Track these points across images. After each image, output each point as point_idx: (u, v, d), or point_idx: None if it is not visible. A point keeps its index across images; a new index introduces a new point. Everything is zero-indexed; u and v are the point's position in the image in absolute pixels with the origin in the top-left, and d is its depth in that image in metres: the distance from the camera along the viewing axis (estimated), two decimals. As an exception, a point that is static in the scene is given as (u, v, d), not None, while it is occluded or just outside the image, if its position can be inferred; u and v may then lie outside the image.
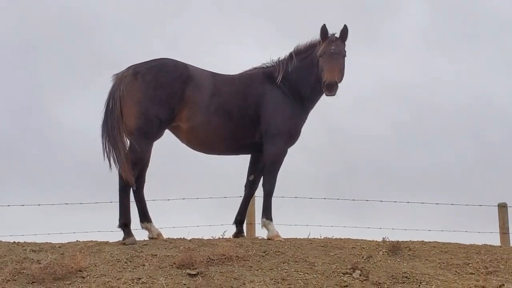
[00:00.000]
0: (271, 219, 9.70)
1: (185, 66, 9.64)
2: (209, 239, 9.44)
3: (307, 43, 9.96)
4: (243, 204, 10.20)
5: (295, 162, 9.92)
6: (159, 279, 8.03)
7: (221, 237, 9.90)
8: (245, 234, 10.18)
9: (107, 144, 9.40)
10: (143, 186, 9.72)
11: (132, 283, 7.94)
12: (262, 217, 9.72)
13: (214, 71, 9.92)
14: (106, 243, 9.34)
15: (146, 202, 9.78)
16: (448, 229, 11.72)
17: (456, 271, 8.51)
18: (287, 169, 9.84)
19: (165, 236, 9.73)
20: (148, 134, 9.34)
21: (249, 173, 10.11)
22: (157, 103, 9.30)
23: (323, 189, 9.47)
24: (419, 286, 8.06)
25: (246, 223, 11.91)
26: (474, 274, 8.46)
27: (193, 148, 9.88)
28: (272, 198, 9.78)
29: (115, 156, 9.34)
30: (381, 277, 8.21)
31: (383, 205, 11.54)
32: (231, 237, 9.90)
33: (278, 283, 7.96)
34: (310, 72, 9.76)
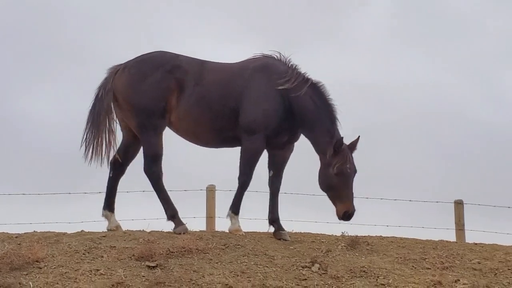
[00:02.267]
0: (236, 213, 9.42)
1: (173, 56, 9.53)
2: (169, 231, 9.40)
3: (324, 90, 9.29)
4: (271, 202, 9.60)
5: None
6: (117, 271, 7.99)
7: (180, 229, 9.85)
8: (285, 230, 9.47)
9: (89, 130, 9.50)
10: (121, 176, 9.73)
11: (90, 274, 7.89)
12: (230, 208, 9.46)
13: (209, 60, 9.69)
14: (64, 234, 9.25)
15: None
16: (406, 224, 11.85)
17: (413, 266, 8.61)
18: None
19: (124, 228, 9.67)
20: (150, 127, 9.33)
21: (269, 169, 9.63)
22: (143, 95, 9.30)
23: (283, 183, 9.48)
24: (377, 280, 8.14)
25: (206, 217, 11.90)
26: (430, 269, 8.57)
27: (184, 139, 9.75)
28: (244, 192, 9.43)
29: (94, 143, 9.43)
30: (340, 271, 8.27)
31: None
32: (272, 236, 9.47)
33: (238, 276, 7.97)
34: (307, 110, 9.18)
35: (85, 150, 9.51)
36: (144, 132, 9.38)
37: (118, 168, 9.64)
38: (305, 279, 8.06)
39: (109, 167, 9.66)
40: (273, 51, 9.55)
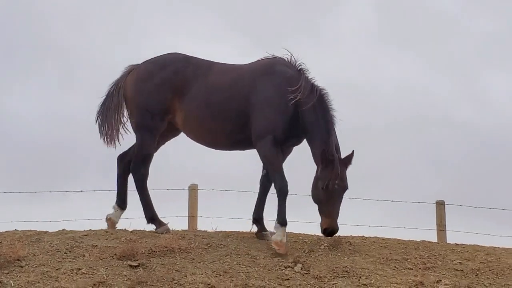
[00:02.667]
0: (282, 224, 8.79)
1: (182, 58, 9.48)
2: (151, 231, 9.37)
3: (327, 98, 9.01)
4: (258, 201, 9.47)
5: (236, 157, 9.88)
6: (99, 270, 7.95)
7: (163, 229, 9.82)
8: (267, 230, 9.26)
9: (100, 122, 9.64)
10: (128, 174, 9.67)
11: (72, 273, 7.85)
12: (276, 219, 8.89)
13: (219, 62, 9.54)
14: (46, 232, 9.20)
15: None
16: (388, 225, 11.89)
17: (395, 266, 8.64)
18: (230, 162, 9.80)
19: (105, 227, 9.62)
20: (146, 128, 9.35)
21: (263, 168, 9.40)
22: (146, 95, 9.33)
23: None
24: (359, 280, 8.16)
25: (188, 216, 11.87)
26: (412, 269, 8.61)
27: (192, 139, 9.64)
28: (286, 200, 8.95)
29: (105, 132, 9.59)
30: (322, 271, 8.29)
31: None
32: (254, 236, 9.35)
33: (220, 275, 7.96)
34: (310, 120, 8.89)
35: (104, 141, 9.69)
36: (140, 131, 9.41)
37: (126, 165, 9.61)
38: (288, 279, 8.06)
39: (117, 164, 9.70)
40: (284, 52, 9.27)
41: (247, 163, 9.65)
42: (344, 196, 8.72)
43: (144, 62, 9.69)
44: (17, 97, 21.93)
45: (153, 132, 9.39)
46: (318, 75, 9.09)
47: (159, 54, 9.74)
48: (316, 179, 8.73)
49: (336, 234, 8.82)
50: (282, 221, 8.80)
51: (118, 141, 9.69)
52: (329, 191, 8.56)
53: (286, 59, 9.24)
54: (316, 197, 8.73)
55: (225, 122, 9.14)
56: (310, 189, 8.86)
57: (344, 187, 8.66)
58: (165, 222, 9.43)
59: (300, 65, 9.18)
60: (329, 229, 8.56)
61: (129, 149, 9.72)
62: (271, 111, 8.94)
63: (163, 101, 9.28)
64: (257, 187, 9.56)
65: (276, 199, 8.96)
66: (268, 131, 8.89)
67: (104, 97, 9.72)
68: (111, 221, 9.60)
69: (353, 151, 8.79)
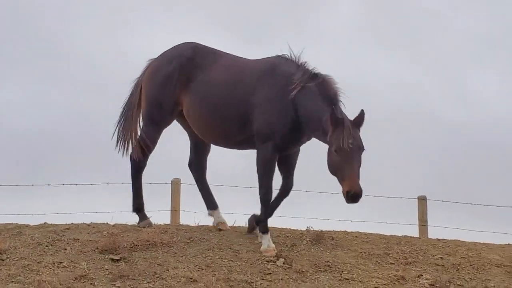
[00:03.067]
0: (264, 232, 8.67)
1: (191, 48, 9.23)
2: (133, 224, 9.36)
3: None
4: (272, 203, 8.86)
5: (219, 152, 9.85)
6: (81, 264, 7.94)
7: (145, 222, 9.80)
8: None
9: (119, 123, 9.51)
10: (205, 174, 9.59)
11: (53, 267, 7.83)
12: (258, 229, 8.82)
13: (227, 54, 9.23)
14: (27, 226, 9.16)
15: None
16: (370, 220, 11.92)
17: (377, 261, 8.68)
18: (212, 156, 9.77)
19: (87, 221, 9.58)
20: (154, 121, 9.24)
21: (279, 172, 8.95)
22: (156, 87, 9.19)
23: (248, 178, 9.47)
24: (341, 274, 8.19)
25: (171, 210, 11.85)
26: (394, 264, 8.64)
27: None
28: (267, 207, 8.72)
29: (123, 136, 9.44)
30: (304, 266, 8.30)
31: (308, 195, 11.66)
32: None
33: (203, 269, 7.96)
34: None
35: (116, 143, 9.50)
36: (146, 122, 9.30)
37: (199, 168, 9.56)
38: (270, 273, 8.07)
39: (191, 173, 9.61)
40: (287, 49, 8.80)
41: (230, 157, 9.64)
42: (361, 160, 8.01)
43: (159, 55, 9.50)
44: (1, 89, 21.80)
45: (160, 125, 9.27)
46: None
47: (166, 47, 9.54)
48: (329, 146, 8.06)
49: (318, 229, 8.69)
50: (263, 229, 8.68)
51: (132, 147, 9.42)
52: (343, 152, 7.85)
53: (288, 57, 8.77)
54: (332, 165, 8.01)
55: (223, 121, 8.83)
56: (326, 163, 8.16)
57: (359, 146, 7.96)
58: (148, 216, 9.40)
59: (300, 60, 8.69)
60: (352, 191, 7.75)
61: (190, 153, 9.61)
62: (272, 114, 8.54)
63: (170, 94, 9.09)
64: (240, 182, 9.57)
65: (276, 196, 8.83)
66: (269, 136, 8.52)
67: (128, 96, 9.61)
68: (222, 224, 9.39)
69: (362, 110, 8.15)
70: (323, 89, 8.39)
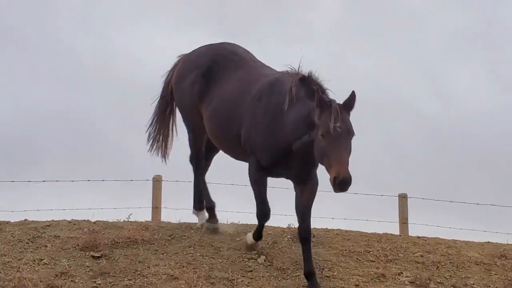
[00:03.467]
0: (256, 239, 8.40)
1: (211, 60, 8.78)
2: (114, 221, 9.33)
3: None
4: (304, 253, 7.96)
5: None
6: (61, 261, 7.91)
7: (126, 220, 9.78)
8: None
9: (151, 124, 9.42)
10: (205, 172, 9.35)
11: (34, 264, 7.80)
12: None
13: (248, 63, 8.63)
14: (7, 222, 9.11)
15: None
16: (351, 217, 11.97)
17: (357, 258, 8.71)
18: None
19: (68, 218, 9.54)
20: (188, 126, 9.07)
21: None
22: (182, 95, 9.01)
23: (231, 174, 9.48)
24: (322, 272, 8.22)
25: (152, 207, 11.83)
26: (374, 261, 8.69)
27: None
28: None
29: (154, 135, 9.36)
30: (285, 263, 8.32)
31: (289, 192, 11.66)
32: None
33: (184, 267, 7.96)
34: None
35: (151, 145, 9.43)
36: (186, 127, 9.16)
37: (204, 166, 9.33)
38: (251, 270, 8.09)
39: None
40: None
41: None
42: (351, 146, 7.21)
43: (186, 54, 9.23)
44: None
45: (195, 132, 9.02)
46: (286, 66, 8.58)
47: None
48: (316, 132, 7.25)
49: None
50: (256, 237, 8.41)
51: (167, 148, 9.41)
52: (331, 136, 7.04)
53: (292, 71, 7.94)
54: (319, 151, 7.22)
55: (227, 139, 8.44)
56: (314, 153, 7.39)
57: (348, 130, 7.17)
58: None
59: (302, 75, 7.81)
60: (340, 177, 6.88)
61: (198, 146, 9.24)
62: (254, 129, 7.92)
63: (193, 105, 8.82)
64: (225, 179, 9.56)
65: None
66: (252, 151, 7.96)
67: (159, 96, 9.46)
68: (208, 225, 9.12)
69: (353, 91, 7.36)
70: (306, 86, 7.64)
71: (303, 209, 7.88)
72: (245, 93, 8.21)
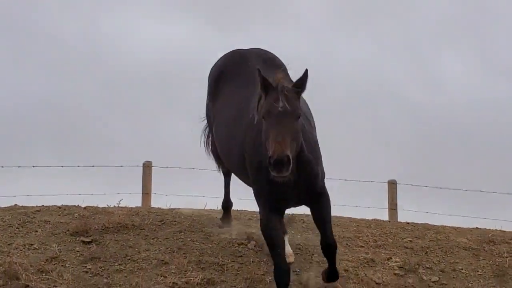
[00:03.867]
0: None
1: (231, 58, 8.41)
2: (104, 207, 9.33)
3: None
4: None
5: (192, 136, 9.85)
6: (52, 246, 7.92)
7: (116, 205, 9.79)
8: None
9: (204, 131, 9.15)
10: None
11: (24, 248, 7.80)
12: None
13: (251, 69, 7.64)
14: (-3, 208, 9.11)
15: None
16: (340, 203, 11.98)
17: (347, 244, 8.76)
18: (184, 141, 9.74)
19: (59, 203, 9.53)
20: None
21: None
22: (208, 95, 8.63)
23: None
24: (311, 257, 8.26)
25: (142, 193, 11.84)
26: (363, 247, 8.73)
27: None
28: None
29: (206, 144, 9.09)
30: (275, 248, 8.34)
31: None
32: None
33: (174, 252, 7.98)
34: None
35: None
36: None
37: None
38: (241, 255, 8.11)
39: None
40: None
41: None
42: (295, 127, 6.49)
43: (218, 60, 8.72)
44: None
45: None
46: (272, 50, 8.50)
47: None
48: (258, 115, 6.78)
49: (290, 212, 8.13)
50: None
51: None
52: (271, 117, 6.45)
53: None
54: (262, 135, 6.67)
55: (232, 162, 7.92)
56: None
57: (289, 110, 6.44)
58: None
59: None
60: (273, 157, 6.15)
61: None
62: (257, 173, 7.06)
63: (210, 108, 8.59)
64: (212, 165, 9.51)
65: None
66: (257, 195, 7.19)
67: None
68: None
69: (306, 69, 6.71)
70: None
71: (322, 225, 7.30)
72: (245, 111, 7.42)
